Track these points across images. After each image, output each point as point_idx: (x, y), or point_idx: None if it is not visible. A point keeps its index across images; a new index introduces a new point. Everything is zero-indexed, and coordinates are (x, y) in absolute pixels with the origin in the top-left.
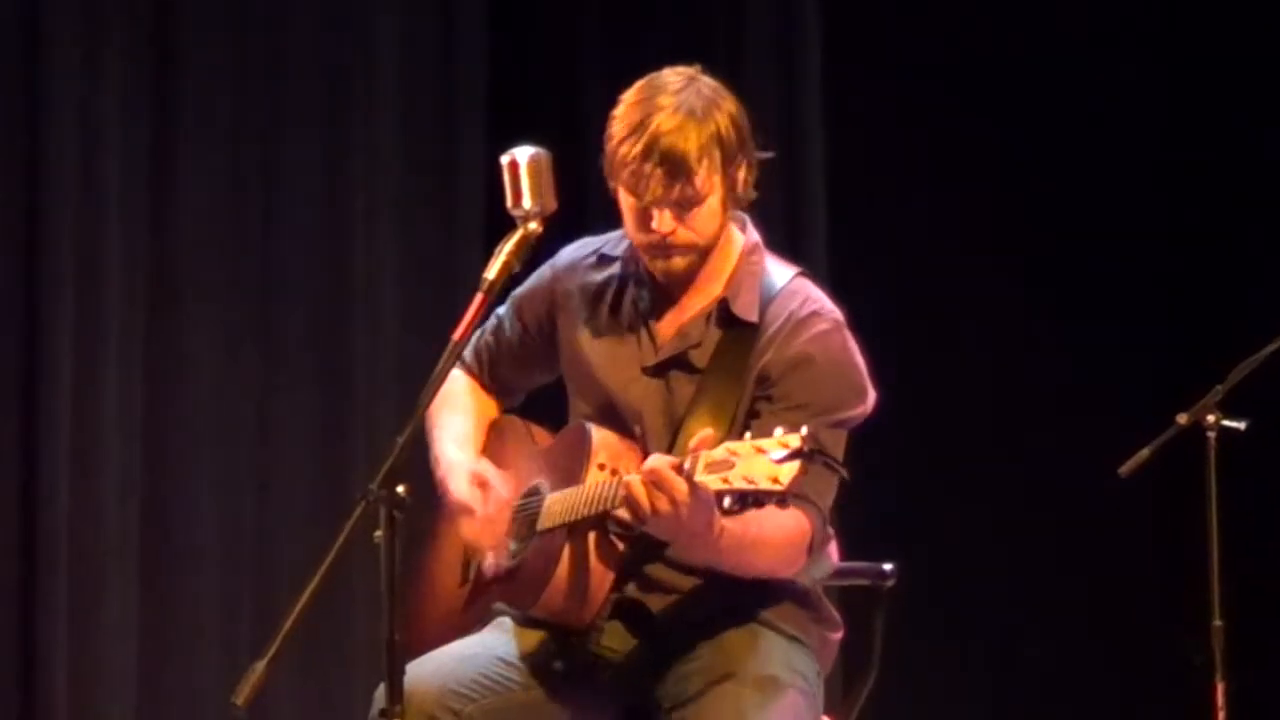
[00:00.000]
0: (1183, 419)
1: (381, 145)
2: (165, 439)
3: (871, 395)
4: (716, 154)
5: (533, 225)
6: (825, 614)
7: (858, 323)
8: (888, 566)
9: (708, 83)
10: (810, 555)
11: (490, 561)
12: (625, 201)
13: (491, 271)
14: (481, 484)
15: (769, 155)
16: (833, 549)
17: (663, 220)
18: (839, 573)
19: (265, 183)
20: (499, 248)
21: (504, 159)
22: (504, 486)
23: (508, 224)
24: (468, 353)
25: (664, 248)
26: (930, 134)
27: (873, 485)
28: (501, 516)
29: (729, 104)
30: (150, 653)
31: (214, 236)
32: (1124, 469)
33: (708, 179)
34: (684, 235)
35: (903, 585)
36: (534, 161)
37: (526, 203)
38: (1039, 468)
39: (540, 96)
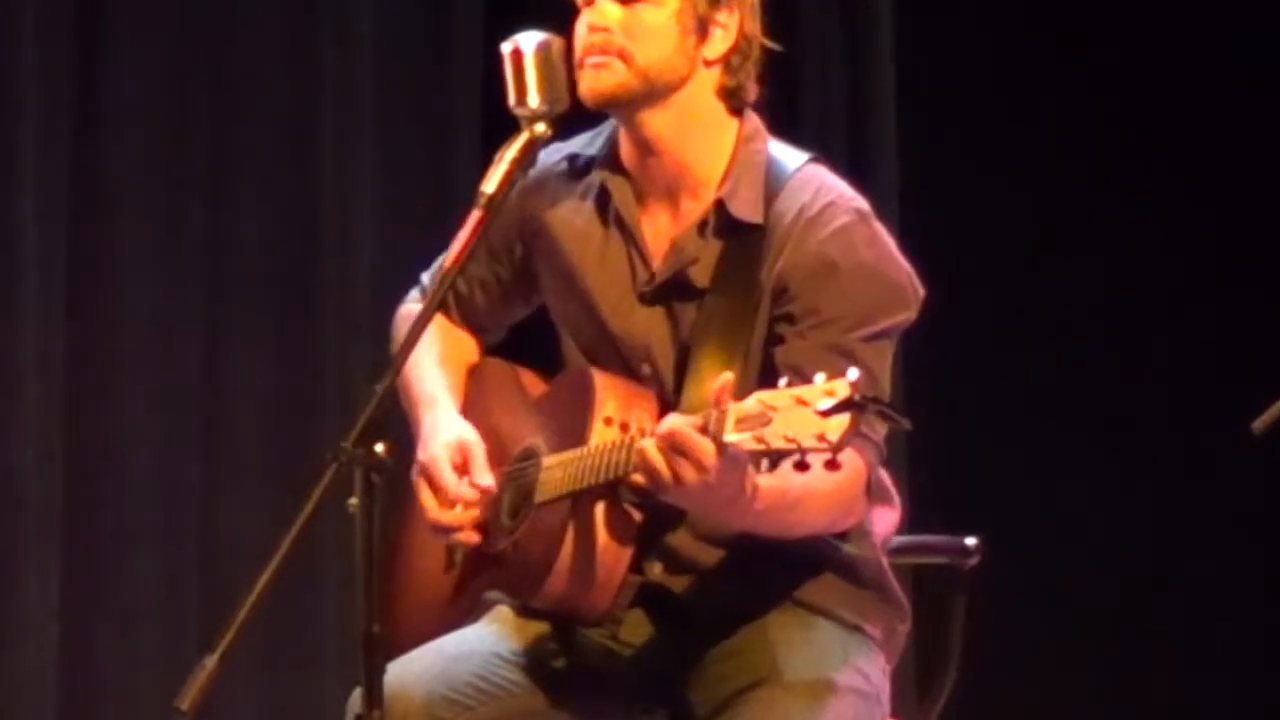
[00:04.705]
0: None
1: (357, 28)
2: (92, 385)
3: (916, 293)
4: None
5: (540, 127)
6: (891, 596)
7: (940, 279)
8: (971, 541)
9: None
10: (870, 498)
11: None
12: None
13: (491, 184)
14: (464, 450)
15: (775, 48)
16: (887, 511)
17: (603, 12)
18: (911, 549)
19: (214, 69)
20: (500, 155)
21: (505, 47)
22: (487, 467)
23: (510, 126)
24: (428, 279)
25: (600, 49)
26: (1035, 53)
27: (954, 446)
28: (473, 505)
29: None
30: (75, 646)
31: (151, 132)
32: (1258, 424)
33: None
34: (620, 39)
35: (989, 564)
36: (542, 50)
37: (533, 100)
38: (1155, 423)
39: None
